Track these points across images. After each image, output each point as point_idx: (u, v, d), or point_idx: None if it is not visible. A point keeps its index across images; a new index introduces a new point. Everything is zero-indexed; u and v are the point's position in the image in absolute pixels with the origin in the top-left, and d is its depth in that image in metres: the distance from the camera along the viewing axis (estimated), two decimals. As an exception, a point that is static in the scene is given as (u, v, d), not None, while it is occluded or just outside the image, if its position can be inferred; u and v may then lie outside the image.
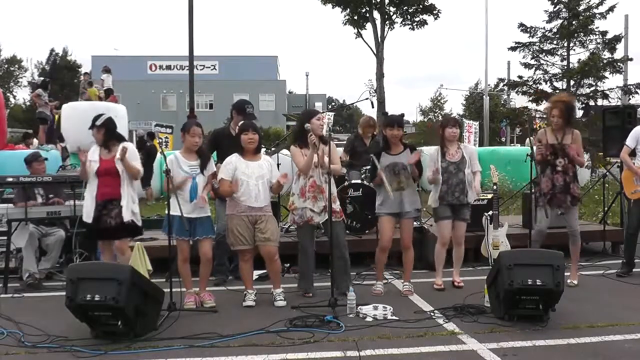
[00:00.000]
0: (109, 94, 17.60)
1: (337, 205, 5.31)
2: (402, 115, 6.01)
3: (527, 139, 5.79)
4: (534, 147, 5.76)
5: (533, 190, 6.24)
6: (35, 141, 15.66)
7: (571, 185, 5.58)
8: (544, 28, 14.81)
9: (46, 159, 6.70)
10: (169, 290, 4.66)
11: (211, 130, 6.33)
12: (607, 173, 8.55)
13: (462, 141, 5.67)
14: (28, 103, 39.42)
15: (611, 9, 14.28)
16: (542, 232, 5.76)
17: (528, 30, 14.96)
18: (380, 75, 23.07)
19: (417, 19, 24.06)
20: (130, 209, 5.06)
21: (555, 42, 14.80)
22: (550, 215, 5.64)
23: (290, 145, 5.59)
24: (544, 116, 14.34)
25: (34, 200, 6.06)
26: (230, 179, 4.95)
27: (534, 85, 14.72)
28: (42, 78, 18.88)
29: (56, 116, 14.61)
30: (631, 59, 15.84)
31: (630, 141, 6.08)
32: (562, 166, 5.55)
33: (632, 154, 6.09)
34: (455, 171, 5.44)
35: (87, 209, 5.08)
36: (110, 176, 5.07)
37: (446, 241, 5.56)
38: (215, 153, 5.84)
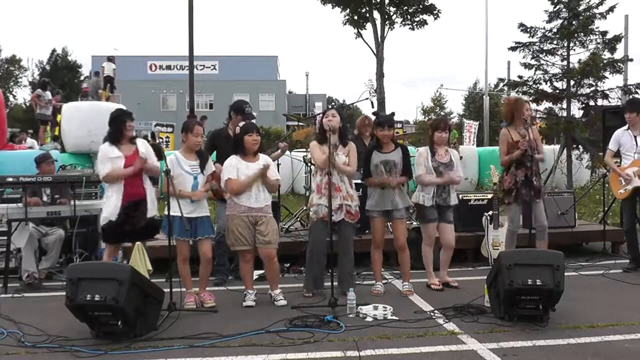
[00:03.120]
0: (108, 82, 17.48)
1: (354, 206, 5.32)
2: (392, 114, 6.05)
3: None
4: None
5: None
6: (28, 140, 15.63)
7: (533, 179, 5.70)
8: (544, 28, 14.72)
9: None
10: (169, 290, 4.67)
11: (210, 130, 6.33)
12: (607, 173, 8.55)
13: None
14: (28, 104, 39.39)
15: (611, 9, 14.22)
16: (516, 232, 5.85)
17: (528, 30, 14.87)
18: (380, 75, 23.02)
19: (417, 19, 24.03)
20: (154, 205, 5.13)
21: (555, 42, 14.72)
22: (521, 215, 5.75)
23: (291, 143, 5.62)
24: (545, 116, 14.26)
25: (39, 198, 6.05)
26: (236, 179, 4.96)
27: (534, 86, 14.63)
28: (43, 79, 18.87)
29: (59, 117, 14.58)
30: (631, 59, 15.79)
31: (612, 145, 6.31)
32: (528, 161, 5.66)
33: (618, 155, 6.25)
34: (444, 172, 5.47)
35: (111, 210, 4.94)
36: (137, 174, 5.03)
37: (433, 242, 5.62)
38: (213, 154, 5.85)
